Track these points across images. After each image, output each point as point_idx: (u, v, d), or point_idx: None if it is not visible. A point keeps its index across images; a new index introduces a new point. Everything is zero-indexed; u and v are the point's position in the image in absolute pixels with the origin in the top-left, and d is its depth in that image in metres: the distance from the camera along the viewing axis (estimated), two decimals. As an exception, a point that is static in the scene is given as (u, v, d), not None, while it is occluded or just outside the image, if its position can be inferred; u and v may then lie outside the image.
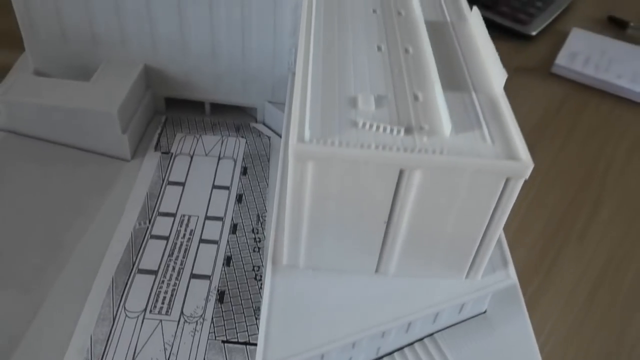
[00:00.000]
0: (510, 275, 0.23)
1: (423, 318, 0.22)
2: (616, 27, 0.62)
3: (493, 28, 0.57)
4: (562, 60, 0.53)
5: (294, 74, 0.30)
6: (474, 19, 0.25)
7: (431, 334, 0.24)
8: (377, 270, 0.22)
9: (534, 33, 0.57)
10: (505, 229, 0.37)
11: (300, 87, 0.21)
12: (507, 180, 0.19)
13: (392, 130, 0.19)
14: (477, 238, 0.21)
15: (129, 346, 0.23)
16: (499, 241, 0.24)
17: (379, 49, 0.23)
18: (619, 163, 0.43)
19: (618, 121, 0.48)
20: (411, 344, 0.24)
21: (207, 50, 0.32)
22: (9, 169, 0.30)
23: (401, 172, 0.19)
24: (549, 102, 0.50)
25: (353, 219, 0.20)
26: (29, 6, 0.31)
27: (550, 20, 0.60)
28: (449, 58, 0.23)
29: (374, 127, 0.19)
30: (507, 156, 0.19)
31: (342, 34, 0.24)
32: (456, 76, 0.22)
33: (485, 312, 0.25)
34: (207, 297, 0.25)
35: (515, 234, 0.37)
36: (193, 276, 0.26)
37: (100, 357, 0.22)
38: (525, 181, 0.43)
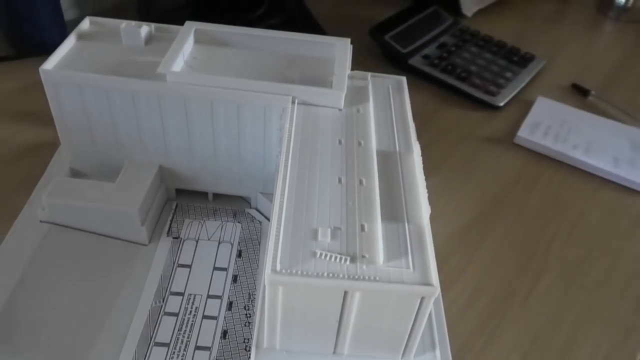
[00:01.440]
0: (437, 356, 0.30)
1: (370, 389, 0.29)
2: (579, 94, 0.69)
3: (466, 98, 0.65)
4: (524, 131, 0.61)
5: (279, 172, 0.37)
6: (415, 154, 0.33)
7: (379, 399, 0.31)
8: (334, 352, 0.30)
9: (501, 104, 0.64)
10: (460, 292, 0.44)
11: (276, 219, 0.28)
12: (422, 299, 0.26)
13: (340, 259, 0.26)
14: (405, 334, 0.28)
15: (148, 408, 0.30)
16: (431, 327, 0.31)
17: (340, 181, 0.31)
18: (563, 234, 0.50)
19: (567, 193, 0.55)
20: (362, 407, 0.31)
21: (210, 154, 0.40)
22: (50, 255, 0.37)
23: (346, 293, 0.26)
24: (509, 172, 0.57)
25: (313, 320, 0.28)
26: (67, 124, 0.39)
27: (517, 90, 0.67)
28: (392, 188, 0.31)
29: (328, 257, 0.26)
30: (422, 282, 0.26)
31: (312, 163, 0.32)
32: (395, 206, 0.30)
33: (422, 380, 0.32)
34: (208, 366, 0.32)
35: (470, 296, 0.44)
36: (197, 348, 0.33)
37: (126, 416, 0.30)
38: (483, 249, 0.49)
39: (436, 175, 0.56)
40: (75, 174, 0.41)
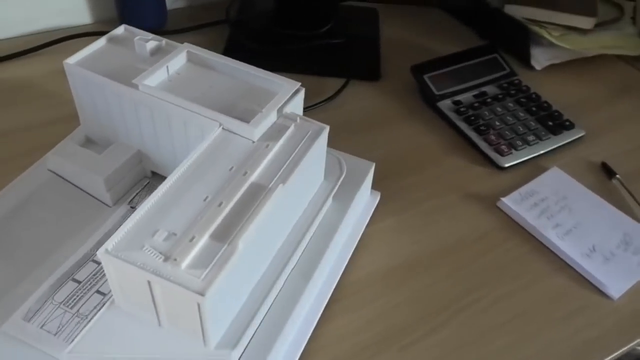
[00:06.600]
0: (231, 356, 0.38)
1: None
2: (605, 174, 0.67)
3: (477, 151, 0.66)
4: (510, 198, 0.62)
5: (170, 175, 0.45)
6: (279, 192, 0.39)
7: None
8: (159, 325, 0.39)
9: (505, 165, 0.65)
10: (347, 323, 0.49)
11: (139, 211, 0.37)
12: (198, 304, 0.34)
13: (156, 257, 0.35)
14: (198, 326, 0.36)
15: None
16: (246, 330, 0.39)
17: (205, 199, 0.39)
18: (487, 302, 0.52)
19: (521, 267, 0.56)
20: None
21: (169, 150, 0.50)
22: (42, 195, 0.51)
23: (149, 282, 0.35)
24: (472, 232, 0.59)
25: (138, 294, 0.37)
26: (82, 104, 0.52)
27: (532, 155, 0.67)
28: (240, 215, 0.38)
29: (149, 252, 0.35)
30: (197, 291, 0.33)
31: (197, 179, 0.40)
32: (230, 230, 0.37)
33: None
34: (97, 306, 0.44)
35: (354, 329, 0.49)
36: (97, 291, 0.44)
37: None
38: (393, 293, 0.53)
39: (404, 214, 0.60)
40: (89, 140, 0.55)
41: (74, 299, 0.44)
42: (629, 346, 0.49)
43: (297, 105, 0.49)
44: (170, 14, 0.85)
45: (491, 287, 0.53)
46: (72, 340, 0.40)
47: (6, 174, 0.52)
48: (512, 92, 0.74)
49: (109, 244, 0.35)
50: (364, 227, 0.57)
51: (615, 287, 0.53)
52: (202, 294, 0.33)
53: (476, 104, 0.72)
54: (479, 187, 0.64)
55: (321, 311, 0.49)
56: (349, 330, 0.49)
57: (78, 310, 0.43)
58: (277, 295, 0.45)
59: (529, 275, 0.55)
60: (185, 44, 0.51)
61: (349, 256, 0.54)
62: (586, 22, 0.82)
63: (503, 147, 0.66)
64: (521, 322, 0.51)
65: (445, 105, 0.71)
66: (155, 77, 0.48)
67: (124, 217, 0.50)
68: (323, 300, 0.50)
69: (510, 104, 0.72)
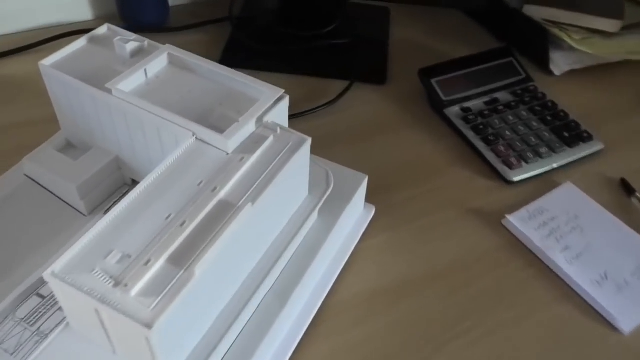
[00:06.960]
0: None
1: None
2: (624, 192, 0.62)
3: (484, 162, 0.62)
4: (516, 215, 0.57)
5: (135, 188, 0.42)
6: (247, 212, 0.36)
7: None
8: (114, 352, 0.36)
9: (514, 179, 0.61)
10: (329, 353, 0.45)
11: (94, 229, 0.35)
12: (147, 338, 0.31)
13: (106, 281, 0.32)
14: (149, 357, 0.33)
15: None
16: None
17: (168, 217, 0.36)
18: (480, 332, 0.48)
19: (522, 292, 0.51)
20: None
21: (145, 157, 0.47)
22: (15, 200, 0.49)
23: (96, 310, 0.32)
24: (472, 251, 0.54)
25: (88, 320, 0.34)
26: (59, 106, 0.49)
27: (544, 169, 0.62)
28: (202, 236, 0.35)
29: (99, 276, 0.32)
30: (144, 323, 0.31)
31: (162, 193, 0.37)
32: (187, 253, 0.34)
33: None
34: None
35: (333, 353, 0.46)
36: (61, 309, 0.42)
37: None
38: (378, 318, 0.51)
39: (399, 230, 0.56)
40: (69, 144, 0.52)
41: (36, 316, 0.42)
42: (637, 388, 0.45)
43: (280, 113, 0.45)
44: (172, 10, 0.82)
45: (486, 315, 0.49)
46: (26, 362, 0.38)
47: (5, 171, 0.51)
48: (527, 99, 0.69)
49: (57, 265, 0.33)
50: (355, 243, 0.53)
51: (627, 321, 0.49)
52: (149, 326, 0.31)
53: (486, 112, 0.67)
54: (483, 203, 0.59)
55: (302, 333, 0.46)
56: (329, 356, 0.46)
57: (39, 328, 0.41)
58: (249, 320, 0.42)
59: (530, 302, 0.50)
60: (167, 45, 0.49)
61: (337, 275, 0.50)
62: (611, 25, 0.77)
63: (512, 159, 0.62)
64: (517, 355, 0.47)
65: (452, 112, 0.67)
66: (132, 81, 0.45)
67: (98, 227, 0.48)
68: (305, 321, 0.47)
69: (524, 113, 0.68)
